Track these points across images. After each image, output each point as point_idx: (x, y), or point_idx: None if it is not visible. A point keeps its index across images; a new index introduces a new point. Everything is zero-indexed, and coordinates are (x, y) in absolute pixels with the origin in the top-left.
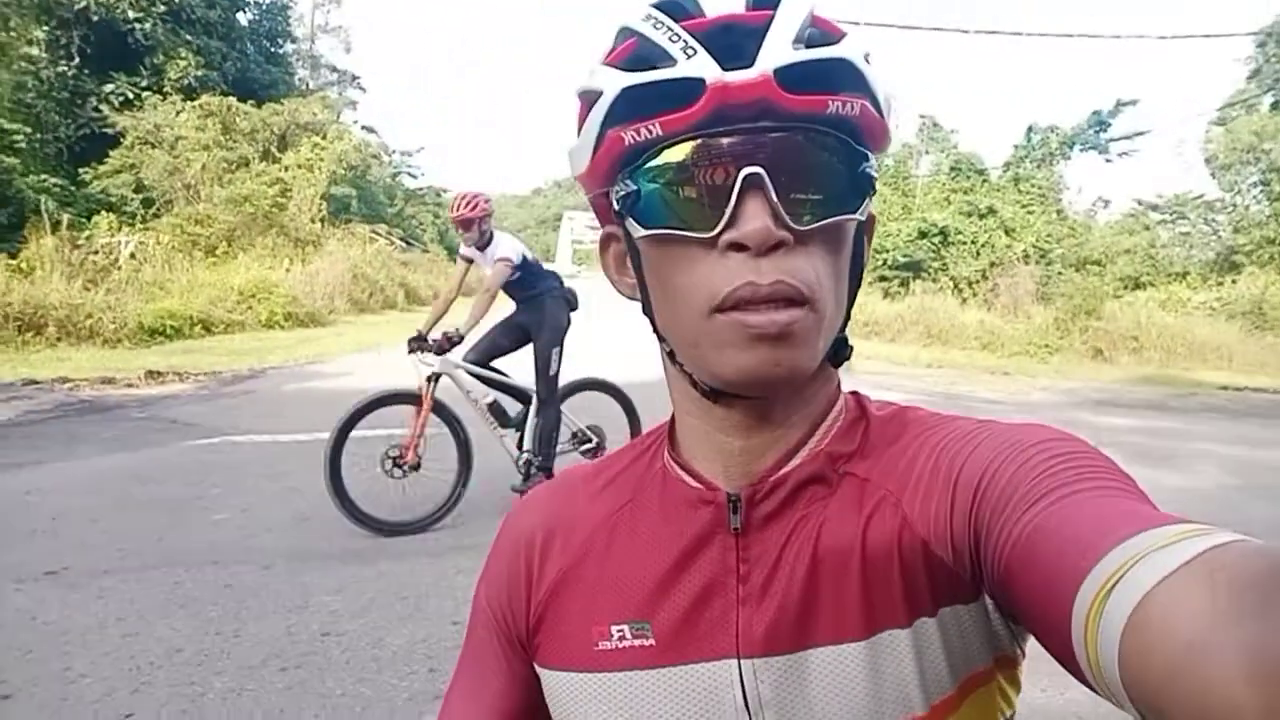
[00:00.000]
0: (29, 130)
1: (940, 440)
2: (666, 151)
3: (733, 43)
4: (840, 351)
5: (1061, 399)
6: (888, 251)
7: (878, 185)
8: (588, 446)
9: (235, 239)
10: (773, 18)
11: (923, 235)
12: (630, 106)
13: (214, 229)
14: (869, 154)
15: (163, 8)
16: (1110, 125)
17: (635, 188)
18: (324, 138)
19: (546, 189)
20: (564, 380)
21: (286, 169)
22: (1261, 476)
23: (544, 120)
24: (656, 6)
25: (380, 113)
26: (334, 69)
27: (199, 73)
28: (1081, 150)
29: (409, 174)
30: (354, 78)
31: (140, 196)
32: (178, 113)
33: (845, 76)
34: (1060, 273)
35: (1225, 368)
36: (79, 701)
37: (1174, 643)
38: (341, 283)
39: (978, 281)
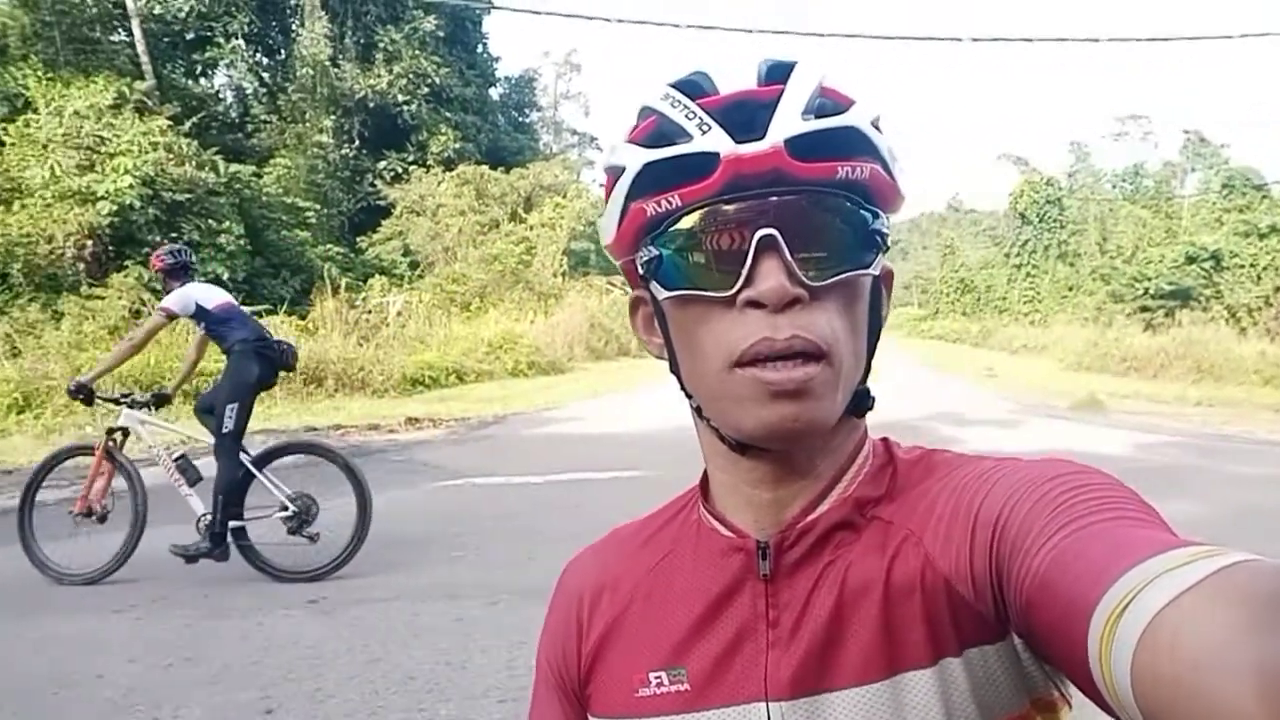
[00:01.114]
0: (318, 207)
1: (960, 480)
2: (686, 218)
3: (746, 117)
4: (862, 402)
5: None
6: (1149, 280)
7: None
8: (284, 515)
9: (486, 295)
10: (783, 91)
11: (1191, 260)
12: (651, 180)
13: (468, 286)
14: (879, 213)
15: (426, 90)
16: None
17: (658, 253)
18: (564, 197)
19: None
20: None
21: (531, 228)
22: None
23: None
24: (674, 86)
25: None
26: (574, 132)
27: (457, 145)
28: None
29: None
30: (592, 139)
31: (407, 260)
32: (439, 183)
33: (853, 143)
34: None
35: None
36: None
37: (1184, 660)
38: (580, 332)
39: (1259, 309)
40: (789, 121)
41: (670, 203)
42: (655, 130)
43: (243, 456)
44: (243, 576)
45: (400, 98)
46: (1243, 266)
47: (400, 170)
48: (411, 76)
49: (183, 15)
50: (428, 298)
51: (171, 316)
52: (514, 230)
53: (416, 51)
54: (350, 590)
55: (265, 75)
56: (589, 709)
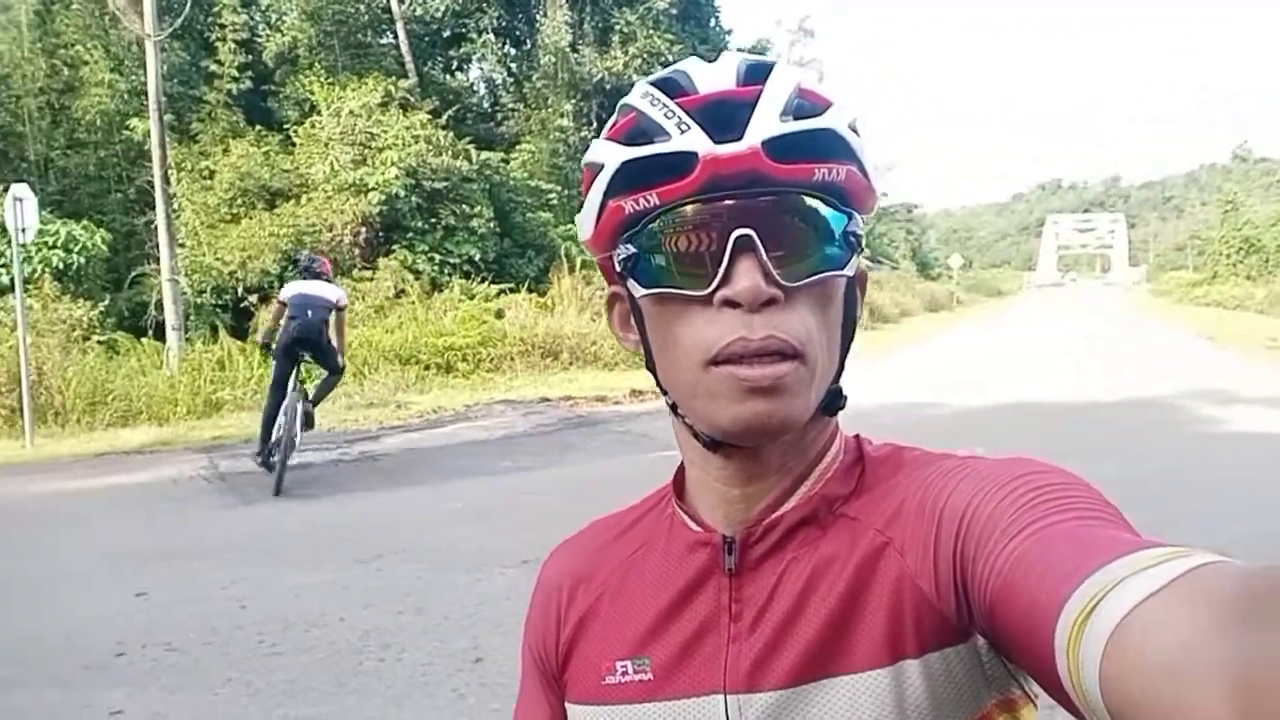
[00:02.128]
0: (559, 188)
1: (925, 478)
2: (663, 218)
3: (724, 117)
4: (834, 401)
5: None
6: None
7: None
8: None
9: None
10: (761, 92)
11: None
12: (629, 178)
13: None
14: (855, 214)
15: (660, 68)
16: None
17: (635, 251)
18: None
19: (1029, 194)
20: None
21: None
22: None
23: (1027, 124)
24: (653, 84)
25: None
26: None
27: None
28: None
29: (880, 192)
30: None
31: None
32: None
33: (831, 145)
34: None
35: None
36: None
37: (1153, 662)
38: None
39: None
40: (767, 122)
41: (648, 201)
42: (634, 128)
43: (285, 402)
44: (470, 537)
45: (635, 78)
46: None
47: None
48: (645, 56)
49: (440, 15)
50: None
51: (282, 304)
52: None
53: (651, 31)
54: None
55: (513, 66)
56: (565, 695)
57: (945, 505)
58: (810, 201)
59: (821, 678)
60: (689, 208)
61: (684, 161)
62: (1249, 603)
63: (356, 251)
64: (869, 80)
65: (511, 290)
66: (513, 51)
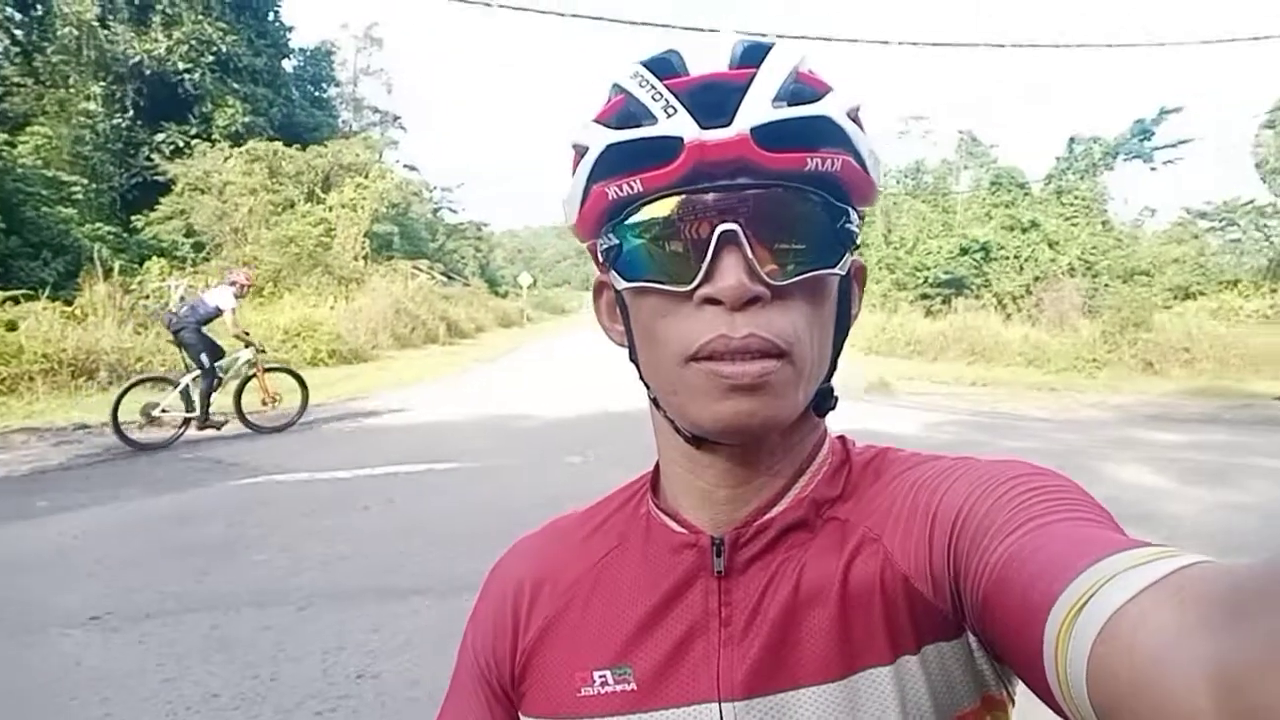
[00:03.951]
0: (85, 181)
1: (918, 478)
2: (647, 207)
3: (713, 101)
4: (824, 402)
5: (1112, 415)
6: (929, 269)
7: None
8: None
9: (281, 279)
10: (754, 75)
11: (964, 252)
12: (614, 163)
13: (261, 270)
14: (850, 209)
15: (211, 58)
16: (1154, 133)
17: (618, 241)
18: (366, 177)
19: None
20: None
21: (330, 209)
22: None
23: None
24: (644, 64)
25: (422, 148)
26: (376, 110)
27: (246, 119)
28: (1125, 160)
29: (449, 209)
30: (395, 118)
31: (190, 241)
32: (226, 159)
33: (825, 133)
34: (1107, 285)
35: None
36: None
37: (1139, 657)
38: (385, 318)
39: (1021, 297)
40: (757, 108)
41: (631, 187)
42: (622, 110)
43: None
44: (10, 598)
45: (181, 65)
46: (1008, 258)
47: (181, 144)
48: (194, 43)
49: None
50: (214, 281)
51: None
52: (311, 211)
53: (200, 16)
54: (138, 603)
55: (19, 33)
56: (522, 708)
57: (940, 504)
58: (802, 194)
59: (823, 681)
60: (674, 198)
61: (668, 147)
62: (1236, 599)
63: None
64: (442, 91)
65: (27, 297)
66: (19, 16)
